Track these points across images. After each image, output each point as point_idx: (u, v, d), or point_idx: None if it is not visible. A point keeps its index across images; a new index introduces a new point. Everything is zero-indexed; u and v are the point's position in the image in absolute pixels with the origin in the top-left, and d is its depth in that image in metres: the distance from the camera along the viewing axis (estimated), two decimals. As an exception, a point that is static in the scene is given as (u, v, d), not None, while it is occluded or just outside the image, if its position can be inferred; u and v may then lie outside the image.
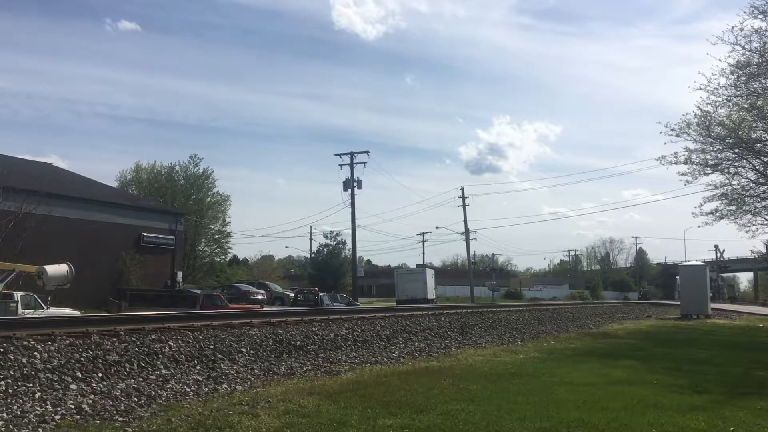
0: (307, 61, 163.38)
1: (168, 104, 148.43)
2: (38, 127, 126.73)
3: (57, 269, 24.47)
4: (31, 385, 7.55)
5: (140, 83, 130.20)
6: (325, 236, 69.34)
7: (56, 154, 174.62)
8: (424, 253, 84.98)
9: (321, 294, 37.92)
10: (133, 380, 8.60)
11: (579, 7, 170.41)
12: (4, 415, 6.51)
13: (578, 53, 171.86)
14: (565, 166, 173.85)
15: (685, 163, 24.29)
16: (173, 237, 42.92)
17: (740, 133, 23.07)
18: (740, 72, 22.01)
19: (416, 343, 15.10)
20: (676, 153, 24.35)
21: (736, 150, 23.90)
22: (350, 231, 52.06)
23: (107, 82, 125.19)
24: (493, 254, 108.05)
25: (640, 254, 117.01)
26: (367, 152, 52.55)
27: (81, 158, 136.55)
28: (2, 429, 6.08)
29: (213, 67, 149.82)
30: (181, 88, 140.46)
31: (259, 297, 39.78)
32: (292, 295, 41.30)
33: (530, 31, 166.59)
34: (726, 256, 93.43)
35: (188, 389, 8.48)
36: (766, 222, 25.71)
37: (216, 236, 65.30)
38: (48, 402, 7.11)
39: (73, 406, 7.01)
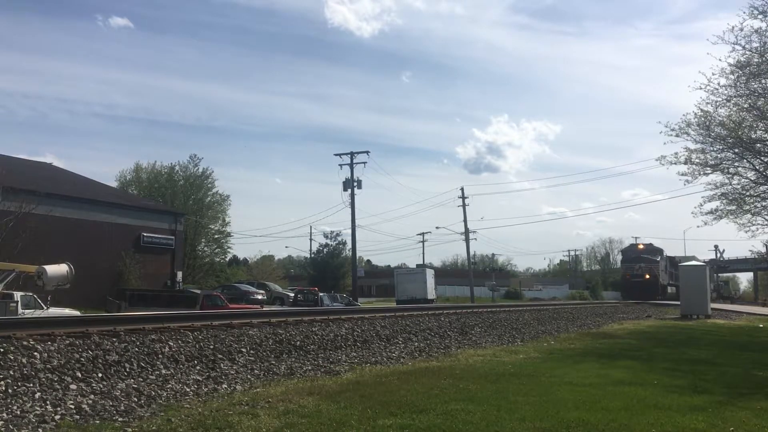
0: (304, 61, 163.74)
1: (165, 104, 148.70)
2: (35, 127, 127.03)
3: (57, 269, 24.46)
4: (31, 385, 7.55)
5: (137, 83, 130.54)
6: (325, 236, 69.43)
7: (53, 154, 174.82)
8: (423, 253, 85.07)
9: (321, 294, 37.91)
10: (133, 380, 8.60)
11: (575, 7, 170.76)
12: (4, 415, 6.50)
13: (576, 53, 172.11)
14: (564, 166, 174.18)
15: (685, 163, 24.29)
16: (173, 237, 42.93)
17: (740, 133, 23.05)
18: (740, 72, 21.99)
19: (416, 343, 15.09)
20: (676, 153, 24.34)
21: (736, 150, 23.89)
22: (350, 231, 52.16)
23: (104, 82, 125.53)
24: (492, 254, 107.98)
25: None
26: (367, 152, 52.65)
27: (78, 158, 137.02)
28: (2, 429, 6.08)
29: (209, 67, 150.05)
30: (178, 87, 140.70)
31: (259, 297, 39.79)
32: (292, 295, 41.28)
33: (527, 31, 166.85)
34: (726, 256, 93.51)
35: (188, 389, 8.48)
36: (766, 222, 25.71)
37: (216, 236, 65.28)
38: (48, 402, 7.11)
39: (73, 406, 7.01)
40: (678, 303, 48.66)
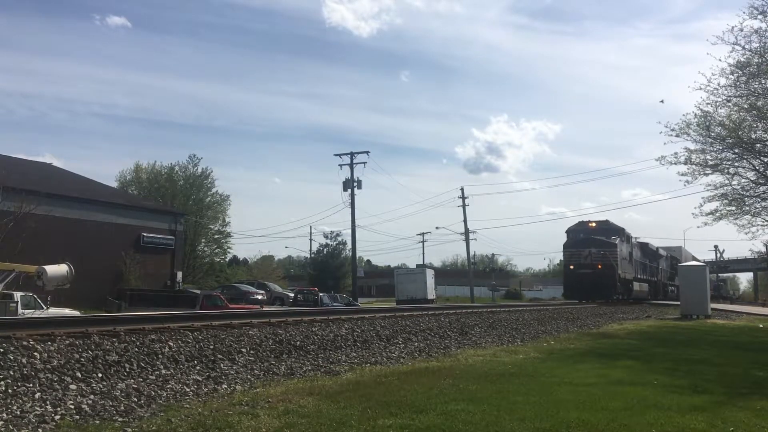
0: (303, 60, 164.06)
1: (164, 104, 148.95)
2: (34, 127, 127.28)
3: (57, 269, 24.49)
4: (31, 385, 7.55)
5: (136, 82, 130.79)
6: (325, 236, 69.59)
7: (52, 154, 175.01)
8: (424, 253, 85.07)
9: (321, 294, 37.95)
10: (132, 380, 8.59)
11: (573, 7, 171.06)
12: (4, 415, 6.50)
13: (575, 53, 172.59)
14: (563, 165, 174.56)
15: (685, 163, 24.32)
16: (173, 237, 42.94)
17: (740, 133, 23.07)
18: (740, 72, 22.02)
19: (416, 343, 15.08)
20: (676, 153, 24.38)
21: (736, 150, 23.91)
22: (350, 231, 52.19)
23: (103, 82, 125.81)
24: (492, 254, 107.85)
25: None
26: (367, 152, 52.74)
27: (77, 158, 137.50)
28: (2, 429, 6.08)
29: (209, 67, 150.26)
30: (177, 87, 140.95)
31: (259, 297, 39.81)
32: (292, 295, 41.34)
33: (526, 31, 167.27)
34: (726, 256, 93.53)
35: (188, 389, 8.48)
36: (765, 223, 25.73)
37: (216, 236, 65.37)
38: (48, 402, 7.11)
39: (72, 406, 7.01)
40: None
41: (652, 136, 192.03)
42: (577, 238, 40.96)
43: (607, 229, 41.04)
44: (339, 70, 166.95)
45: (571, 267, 40.19)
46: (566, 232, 42.37)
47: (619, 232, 41.50)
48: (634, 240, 46.04)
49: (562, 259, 41.95)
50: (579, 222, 43.32)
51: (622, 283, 40.81)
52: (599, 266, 38.27)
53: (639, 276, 46.42)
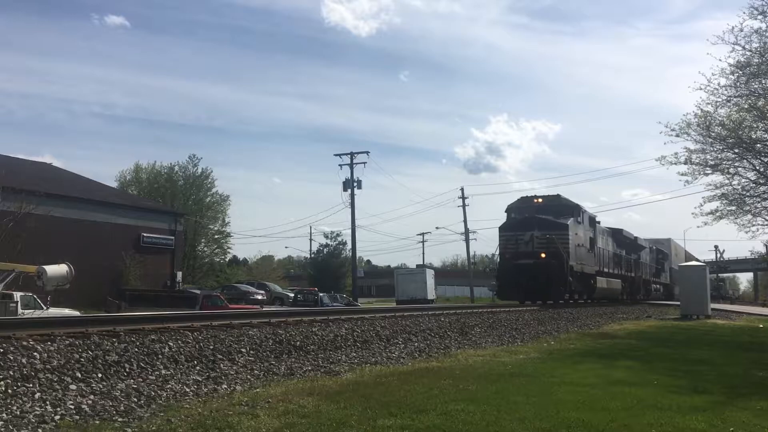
0: (302, 60, 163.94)
1: (164, 103, 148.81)
2: (33, 127, 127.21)
3: (57, 269, 24.50)
4: (31, 385, 7.54)
5: (135, 82, 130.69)
6: (326, 236, 69.69)
7: (51, 154, 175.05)
8: (424, 253, 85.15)
9: (321, 294, 37.99)
10: (132, 380, 8.59)
11: (573, 7, 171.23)
12: (4, 415, 6.50)
13: (576, 53, 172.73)
14: (563, 165, 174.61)
15: (685, 163, 24.33)
16: (173, 237, 42.97)
17: (740, 133, 23.09)
18: (740, 72, 22.03)
19: (416, 344, 15.08)
20: (676, 153, 24.38)
21: (736, 150, 23.92)
22: (350, 231, 52.20)
23: (102, 82, 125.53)
24: (493, 254, 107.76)
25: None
26: (367, 152, 52.80)
27: (77, 158, 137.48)
28: (2, 429, 6.08)
29: (207, 66, 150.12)
30: (176, 87, 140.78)
31: (259, 297, 39.90)
32: (292, 295, 41.37)
33: (526, 31, 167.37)
34: (726, 256, 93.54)
35: (188, 389, 8.47)
36: (766, 222, 25.74)
37: (216, 236, 65.41)
38: (48, 402, 7.10)
39: (72, 407, 7.01)
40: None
41: (652, 136, 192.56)
42: (517, 219, 30.37)
43: (557, 205, 30.42)
44: (338, 70, 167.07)
45: (507, 257, 29.66)
46: (506, 210, 31.65)
47: (574, 210, 31.22)
48: (601, 225, 36.78)
49: (498, 246, 30.66)
50: (521, 198, 31.72)
51: (578, 277, 31.00)
52: (542, 255, 28.52)
53: (606, 269, 37.10)
